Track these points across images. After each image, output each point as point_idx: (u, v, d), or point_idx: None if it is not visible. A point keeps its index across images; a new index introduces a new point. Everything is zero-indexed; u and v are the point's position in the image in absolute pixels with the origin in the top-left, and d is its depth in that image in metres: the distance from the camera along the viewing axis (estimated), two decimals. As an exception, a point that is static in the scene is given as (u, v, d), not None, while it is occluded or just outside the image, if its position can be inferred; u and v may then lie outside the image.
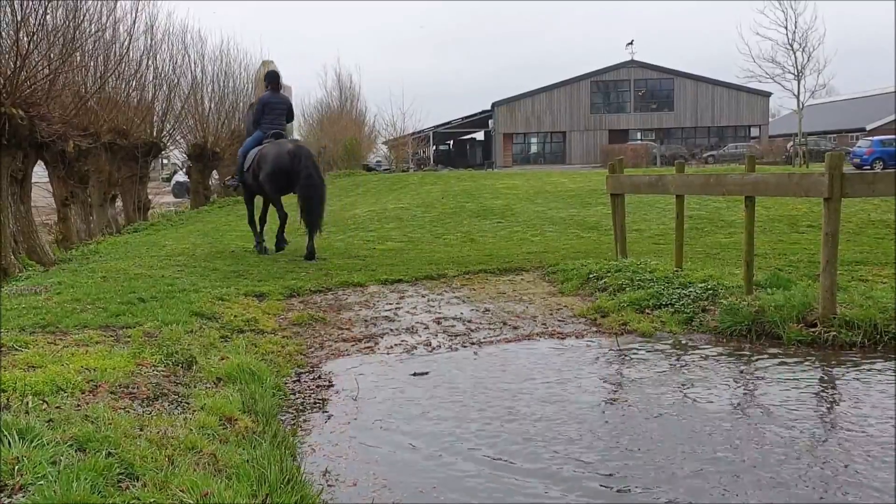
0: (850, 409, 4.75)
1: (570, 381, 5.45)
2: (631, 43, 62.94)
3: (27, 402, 3.98)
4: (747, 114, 60.18)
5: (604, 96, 61.00)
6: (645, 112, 60.52)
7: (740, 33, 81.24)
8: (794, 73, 39.70)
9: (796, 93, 40.19)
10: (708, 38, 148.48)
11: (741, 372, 5.66)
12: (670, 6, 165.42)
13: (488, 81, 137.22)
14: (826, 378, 5.46)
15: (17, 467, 3.08)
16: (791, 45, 39.50)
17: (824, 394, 5.16)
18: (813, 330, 6.15)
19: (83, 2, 13.59)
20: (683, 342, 6.43)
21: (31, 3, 11.16)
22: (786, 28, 39.57)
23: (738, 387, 5.33)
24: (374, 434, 4.56)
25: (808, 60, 39.47)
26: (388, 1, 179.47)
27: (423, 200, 21.10)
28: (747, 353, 6.06)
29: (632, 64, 59.95)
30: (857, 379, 5.32)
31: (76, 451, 3.41)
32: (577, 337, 6.74)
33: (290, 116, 12.90)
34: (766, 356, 5.92)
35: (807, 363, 5.70)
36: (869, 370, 5.47)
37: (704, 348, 6.24)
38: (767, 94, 57.14)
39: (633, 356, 6.14)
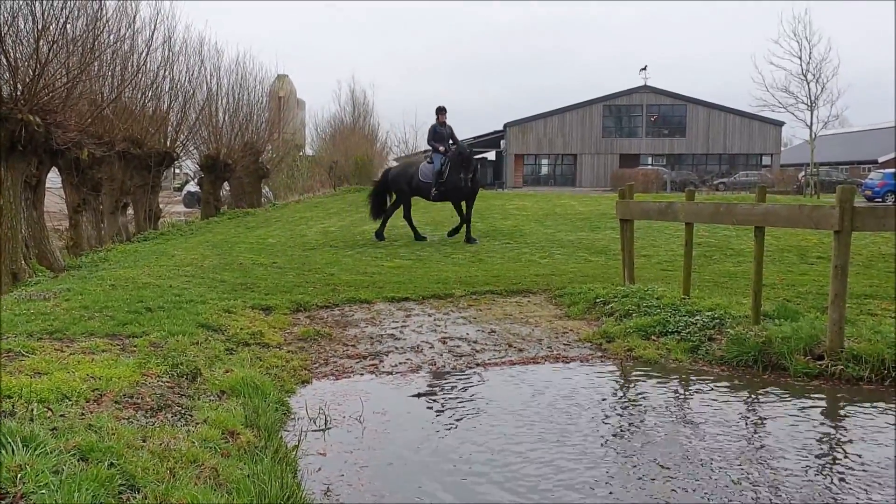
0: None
1: (574, 411, 5.44)
2: (644, 68, 63.34)
3: (32, 409, 3.99)
4: (759, 142, 60.10)
5: (616, 120, 61.08)
6: (656, 137, 60.53)
7: (754, 62, 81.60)
8: (807, 104, 39.75)
9: (809, 123, 40.22)
10: (722, 66, 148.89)
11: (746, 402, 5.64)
12: (685, 33, 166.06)
13: (501, 102, 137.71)
14: (829, 413, 5.43)
15: (19, 475, 3.09)
16: (805, 76, 39.57)
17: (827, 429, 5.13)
18: (820, 363, 6.12)
19: (103, 13, 13.76)
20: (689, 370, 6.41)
21: (52, 12, 11.30)
22: (800, 59, 39.66)
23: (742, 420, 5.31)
24: (379, 456, 4.55)
25: (822, 91, 39.52)
26: (407, 25, 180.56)
27: (432, 218, 21.13)
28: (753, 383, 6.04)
29: (645, 89, 60.05)
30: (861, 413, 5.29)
31: (79, 460, 3.42)
32: (581, 361, 6.73)
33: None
34: (771, 388, 5.90)
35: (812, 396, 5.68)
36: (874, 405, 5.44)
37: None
38: (780, 124, 57.10)
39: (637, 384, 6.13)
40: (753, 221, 7.28)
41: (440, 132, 16.37)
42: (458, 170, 15.90)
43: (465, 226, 16.26)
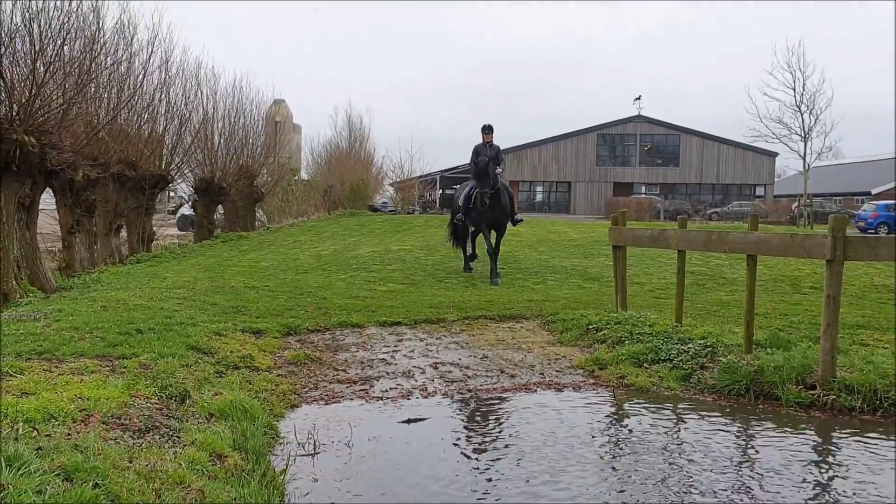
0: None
1: (566, 441, 5.40)
2: (639, 98, 63.81)
3: (17, 429, 3.95)
4: (753, 172, 60.49)
5: (610, 149, 61.47)
6: (650, 166, 60.90)
7: (748, 93, 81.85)
8: (800, 135, 39.93)
9: (802, 154, 40.40)
10: (715, 97, 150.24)
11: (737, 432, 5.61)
12: (680, 64, 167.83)
13: (497, 129, 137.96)
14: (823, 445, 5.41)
15: (1, 495, 3.05)
16: (799, 107, 39.79)
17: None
18: (812, 392, 6.11)
19: (101, 35, 13.82)
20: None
21: (49, 33, 11.35)
22: (794, 90, 39.89)
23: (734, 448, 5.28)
24: (367, 482, 4.51)
25: (816, 122, 39.70)
26: (404, 52, 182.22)
27: (426, 243, 21.12)
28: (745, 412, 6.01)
29: (639, 119, 60.50)
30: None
31: (63, 480, 3.38)
32: (574, 388, 6.70)
33: None
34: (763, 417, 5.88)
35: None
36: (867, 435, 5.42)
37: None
38: (774, 154, 57.51)
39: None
40: (745, 250, 7.29)
41: (482, 153, 14.69)
42: (478, 188, 14.41)
43: (492, 258, 14.49)
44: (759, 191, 60.85)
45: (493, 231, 14.84)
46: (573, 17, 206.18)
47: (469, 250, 16.21)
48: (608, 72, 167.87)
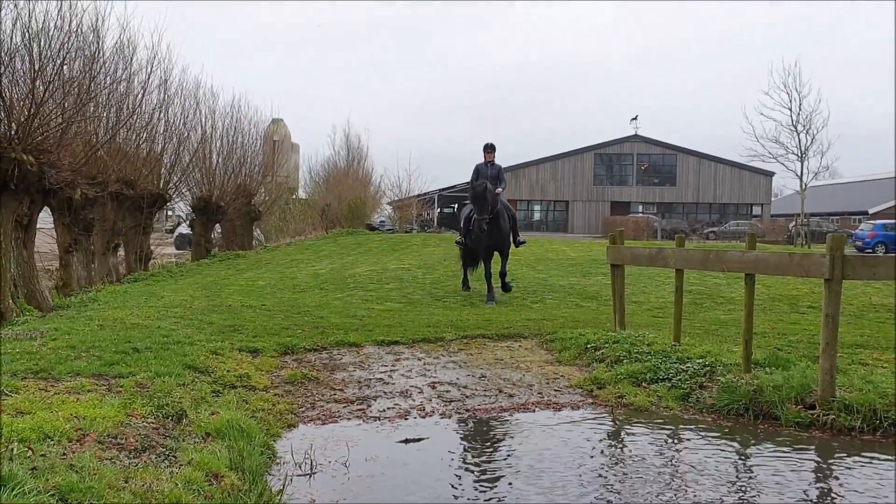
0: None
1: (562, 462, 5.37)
2: (635, 118, 64.02)
3: (12, 449, 3.92)
4: (750, 192, 60.73)
5: (607, 168, 61.74)
6: (647, 186, 61.12)
7: (745, 113, 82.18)
8: (797, 154, 40.02)
9: (799, 173, 40.50)
10: (712, 117, 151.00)
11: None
12: (676, 84, 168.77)
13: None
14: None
15: (-5, 516, 3.02)
16: (795, 127, 39.90)
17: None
18: (811, 412, 6.08)
19: (100, 54, 13.88)
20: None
21: (49, 53, 11.40)
22: (790, 109, 40.01)
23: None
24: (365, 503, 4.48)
25: (812, 142, 39.79)
26: (405, 72, 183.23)
27: (424, 262, 21.12)
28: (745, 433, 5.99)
29: (635, 138, 60.78)
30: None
31: (58, 501, 3.35)
32: (572, 408, 6.67)
33: None
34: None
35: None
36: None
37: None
38: (770, 174, 57.73)
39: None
40: (743, 269, 7.29)
41: (483, 172, 14.47)
42: (476, 213, 14.11)
43: (495, 277, 14.35)
44: (756, 210, 61.07)
45: (495, 253, 14.58)
46: (572, 37, 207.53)
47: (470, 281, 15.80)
48: (605, 91, 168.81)
